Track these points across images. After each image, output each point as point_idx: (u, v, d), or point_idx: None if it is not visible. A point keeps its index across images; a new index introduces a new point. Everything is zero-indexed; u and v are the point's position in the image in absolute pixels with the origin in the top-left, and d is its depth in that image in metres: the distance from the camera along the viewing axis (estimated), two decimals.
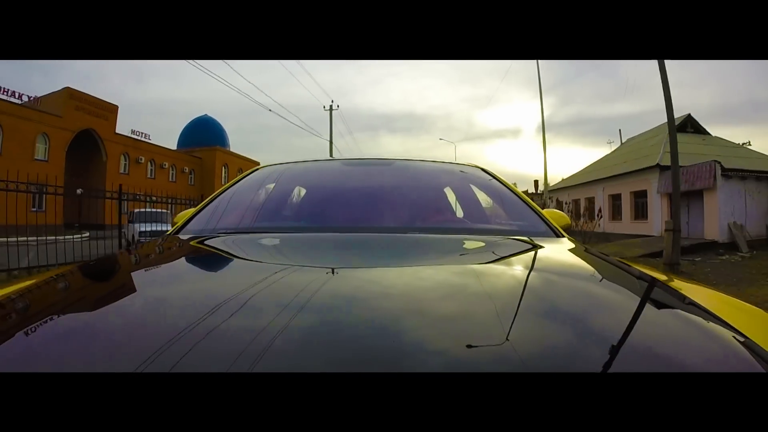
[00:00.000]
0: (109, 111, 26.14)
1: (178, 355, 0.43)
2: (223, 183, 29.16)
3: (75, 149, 23.79)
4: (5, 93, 20.97)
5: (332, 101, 28.71)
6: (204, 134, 35.42)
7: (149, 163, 29.98)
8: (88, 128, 24.42)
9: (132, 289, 0.74)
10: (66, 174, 21.25)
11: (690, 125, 18.66)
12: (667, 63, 8.70)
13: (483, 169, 1.75)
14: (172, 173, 31.98)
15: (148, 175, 29.35)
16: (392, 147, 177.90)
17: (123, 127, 26.38)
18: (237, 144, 42.88)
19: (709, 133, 18.86)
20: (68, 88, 23.59)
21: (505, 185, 1.59)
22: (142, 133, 29.41)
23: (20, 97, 21.80)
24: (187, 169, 33.26)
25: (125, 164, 27.98)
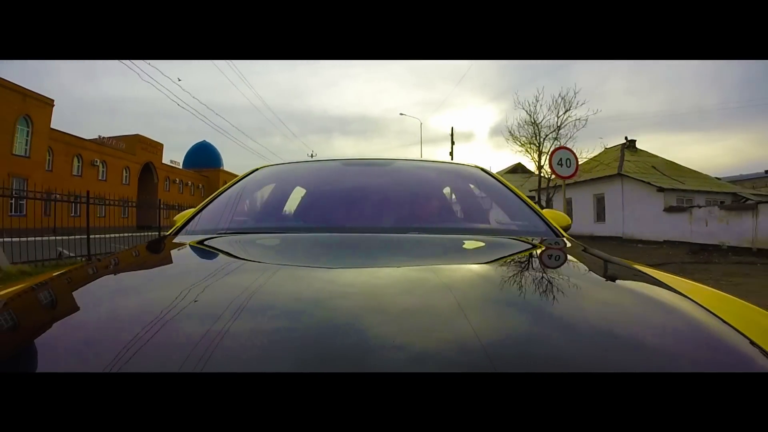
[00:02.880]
0: (159, 148, 37.81)
1: (171, 355, 0.44)
2: None
3: (141, 175, 35.40)
4: (100, 138, 32.34)
5: (312, 150, 41.22)
6: (204, 156, 47.11)
7: (180, 182, 41.76)
8: (148, 161, 36.06)
9: (130, 290, 0.74)
10: (138, 193, 32.95)
11: (520, 170, 33.59)
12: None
13: (483, 169, 1.74)
14: (192, 189, 43.82)
15: (179, 191, 41.08)
16: (345, 150, 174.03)
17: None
18: (189, 144, 50.63)
19: (533, 173, 33.70)
20: (138, 135, 35.23)
21: (505, 185, 1.59)
22: (176, 162, 41.52)
23: (108, 140, 33.26)
24: (200, 186, 45.03)
25: (167, 184, 39.55)
